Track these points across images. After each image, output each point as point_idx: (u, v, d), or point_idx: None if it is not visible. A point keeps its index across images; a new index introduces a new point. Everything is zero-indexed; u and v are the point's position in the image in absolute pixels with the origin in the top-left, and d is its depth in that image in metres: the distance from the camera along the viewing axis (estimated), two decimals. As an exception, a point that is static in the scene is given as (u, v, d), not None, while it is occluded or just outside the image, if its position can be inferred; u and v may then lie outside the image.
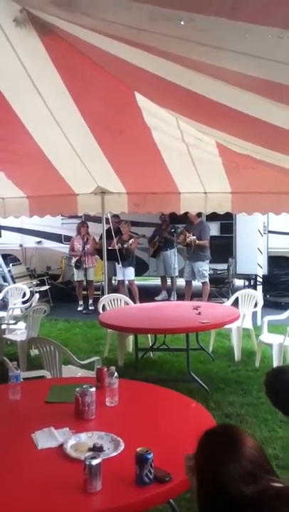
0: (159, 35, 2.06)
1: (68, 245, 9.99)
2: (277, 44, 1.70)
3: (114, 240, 8.82)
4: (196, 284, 9.42)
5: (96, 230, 9.28)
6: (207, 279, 9.18)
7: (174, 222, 9.68)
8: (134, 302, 7.91)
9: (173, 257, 9.55)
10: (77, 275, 9.63)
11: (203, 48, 2.01)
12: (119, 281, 9.52)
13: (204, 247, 9.02)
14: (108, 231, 8.19)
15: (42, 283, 10.10)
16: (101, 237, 8.25)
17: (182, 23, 1.69)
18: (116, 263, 9.17)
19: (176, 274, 9.64)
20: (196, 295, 9.33)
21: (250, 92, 2.53)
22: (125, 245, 9.17)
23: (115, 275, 9.74)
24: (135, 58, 2.74)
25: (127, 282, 9.45)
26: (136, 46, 2.41)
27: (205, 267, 9.14)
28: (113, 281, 10.09)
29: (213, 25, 1.70)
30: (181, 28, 1.79)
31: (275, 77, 2.20)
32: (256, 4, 1.52)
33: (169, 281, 10.27)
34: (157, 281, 10.81)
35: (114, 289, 9.50)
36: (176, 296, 9.13)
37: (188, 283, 9.35)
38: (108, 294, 7.25)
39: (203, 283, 9.18)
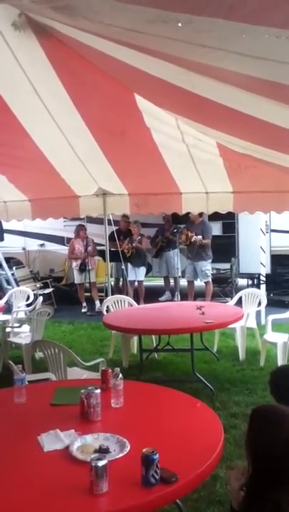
0: (157, 37, 2.07)
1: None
2: (274, 44, 1.71)
3: (126, 241, 8.84)
4: (199, 283, 9.42)
5: (99, 231, 9.30)
6: (210, 279, 9.18)
7: (176, 222, 9.68)
8: (139, 303, 7.91)
9: (175, 258, 9.55)
10: (78, 278, 9.64)
11: (202, 50, 2.01)
12: (129, 281, 9.52)
13: (206, 247, 9.01)
14: (113, 233, 8.20)
15: (45, 286, 10.10)
16: (110, 238, 8.23)
17: (180, 24, 1.70)
18: (128, 263, 9.18)
19: (179, 274, 9.64)
20: (200, 295, 9.33)
21: (250, 93, 2.53)
22: (134, 244, 9.18)
23: (121, 276, 9.74)
24: (134, 60, 2.75)
25: (136, 283, 9.47)
26: (135, 48, 2.42)
27: (207, 267, 9.13)
28: (119, 283, 10.09)
29: (211, 27, 1.71)
30: (180, 29, 1.80)
31: (274, 77, 2.21)
32: (253, 5, 1.52)
33: (172, 281, 10.27)
34: (161, 282, 10.80)
35: (119, 290, 9.51)
36: (179, 296, 9.12)
37: (191, 283, 9.35)
38: (112, 295, 7.26)
39: (206, 283, 9.18)
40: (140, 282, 9.56)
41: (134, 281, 9.43)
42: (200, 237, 8.83)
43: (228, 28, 1.60)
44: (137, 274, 9.38)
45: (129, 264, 9.30)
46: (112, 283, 9.29)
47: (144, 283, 9.95)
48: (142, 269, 9.49)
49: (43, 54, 3.30)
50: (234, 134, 3.90)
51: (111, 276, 8.98)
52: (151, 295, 9.59)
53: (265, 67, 2.01)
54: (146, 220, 9.39)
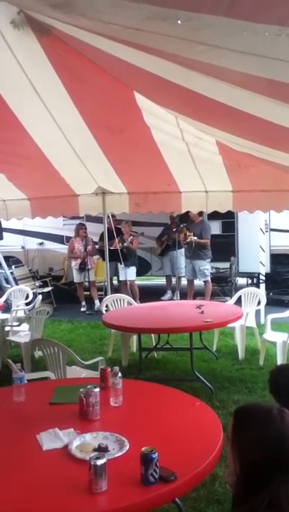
0: (156, 34, 2.06)
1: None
2: (275, 42, 1.70)
3: (116, 240, 8.83)
4: (200, 283, 9.42)
5: (98, 230, 9.29)
6: (209, 278, 9.18)
7: (181, 221, 9.67)
8: (136, 302, 7.91)
9: (180, 257, 9.56)
10: (77, 277, 9.63)
11: (201, 47, 2.01)
12: (121, 281, 9.53)
13: (205, 246, 9.01)
14: (108, 231, 8.18)
15: (45, 284, 10.11)
16: (101, 238, 8.25)
17: (179, 22, 1.69)
18: (118, 263, 9.18)
19: (183, 274, 9.65)
20: (199, 294, 9.33)
21: (249, 91, 2.52)
22: (125, 244, 9.17)
23: (116, 275, 9.75)
24: (134, 58, 2.74)
25: (128, 283, 9.47)
26: (133, 46, 2.41)
27: (206, 266, 9.13)
28: (114, 282, 10.08)
29: (211, 24, 1.70)
30: (179, 27, 1.79)
31: (273, 75, 2.20)
32: (252, 2, 1.51)
33: (173, 280, 10.26)
34: (160, 281, 10.80)
35: (115, 290, 9.51)
36: (179, 295, 9.12)
37: (190, 282, 9.35)
38: (110, 294, 7.26)
39: (205, 282, 9.18)
40: (132, 282, 9.54)
41: (125, 281, 9.41)
42: (195, 238, 8.84)
43: (228, 25, 1.59)
44: (127, 274, 9.35)
45: (118, 264, 9.28)
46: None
47: (145, 282, 9.94)
48: (132, 269, 9.47)
49: (42, 52, 3.29)
50: (234, 132, 3.89)
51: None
52: (152, 294, 9.58)
53: (265, 65, 2.00)
54: (152, 219, 9.36)
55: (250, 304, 6.53)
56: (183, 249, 9.53)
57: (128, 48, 2.41)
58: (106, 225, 7.52)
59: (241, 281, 10.21)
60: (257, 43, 1.75)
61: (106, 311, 6.24)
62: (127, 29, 2.08)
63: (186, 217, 7.84)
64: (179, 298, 9.02)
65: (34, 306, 6.68)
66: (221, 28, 1.65)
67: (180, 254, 9.67)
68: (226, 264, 10.04)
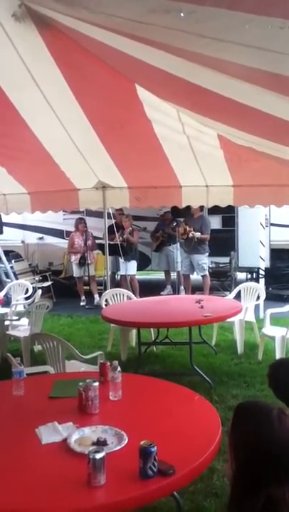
0: (159, 27, 2.05)
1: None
2: (278, 35, 1.69)
3: (117, 234, 8.82)
4: (196, 277, 9.41)
5: (98, 224, 9.28)
6: (207, 272, 9.17)
7: (176, 216, 9.65)
8: (135, 297, 7.91)
9: (175, 252, 9.57)
10: (77, 271, 9.63)
11: (204, 41, 1.99)
12: (121, 275, 9.53)
13: (203, 241, 9.00)
14: (112, 226, 8.17)
15: (44, 279, 10.10)
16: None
17: (182, 14, 1.68)
18: (119, 257, 9.18)
19: (179, 268, 9.65)
20: (197, 288, 9.33)
21: (252, 84, 2.51)
22: (124, 236, 9.15)
23: (118, 270, 9.75)
24: (136, 51, 2.73)
25: (128, 277, 9.47)
26: (136, 39, 2.40)
27: (204, 260, 9.12)
28: (116, 276, 10.09)
29: (214, 17, 1.69)
30: (182, 20, 1.78)
31: (276, 69, 2.19)
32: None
33: (173, 275, 10.26)
34: (160, 276, 10.80)
35: (117, 284, 9.51)
36: (183, 290, 9.10)
37: (187, 276, 9.34)
38: (111, 288, 7.26)
39: (203, 276, 9.17)
40: (132, 276, 9.53)
41: (125, 275, 9.41)
42: (198, 234, 8.82)
43: (231, 18, 1.58)
44: (127, 268, 9.34)
45: (119, 258, 9.28)
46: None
47: (144, 277, 9.92)
48: (133, 263, 9.44)
49: (44, 45, 3.27)
50: (235, 125, 3.88)
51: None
52: (152, 289, 9.58)
53: (268, 58, 1.99)
54: (145, 213, 9.36)
55: (250, 298, 6.54)
56: (178, 244, 9.54)
57: (131, 41, 2.40)
58: (106, 220, 7.51)
59: (241, 275, 10.20)
60: (260, 36, 1.73)
61: (105, 305, 6.24)
62: (130, 22, 2.06)
63: (180, 211, 7.77)
64: (181, 293, 8.99)
65: (34, 301, 6.69)
66: (224, 21, 1.64)
67: (175, 249, 9.67)
68: (226, 259, 10.04)
